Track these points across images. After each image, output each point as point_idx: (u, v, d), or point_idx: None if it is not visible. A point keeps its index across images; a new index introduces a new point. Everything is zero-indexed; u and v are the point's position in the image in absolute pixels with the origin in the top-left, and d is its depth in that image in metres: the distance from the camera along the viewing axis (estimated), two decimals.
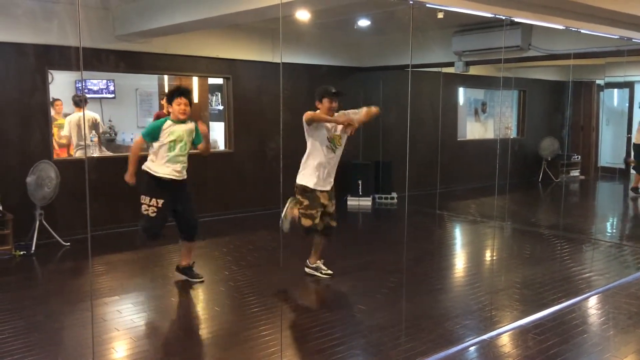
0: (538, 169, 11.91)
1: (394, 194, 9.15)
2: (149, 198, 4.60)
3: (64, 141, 7.51)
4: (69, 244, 6.09)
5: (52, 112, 7.87)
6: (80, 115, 7.38)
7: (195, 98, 9.15)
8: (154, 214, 4.59)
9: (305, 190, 4.80)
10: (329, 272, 5.09)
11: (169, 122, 4.65)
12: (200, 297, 4.80)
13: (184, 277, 4.99)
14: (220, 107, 8.76)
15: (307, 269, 5.13)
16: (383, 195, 9.14)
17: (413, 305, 4.41)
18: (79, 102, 7.56)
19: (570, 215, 8.55)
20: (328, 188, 4.88)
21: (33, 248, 5.85)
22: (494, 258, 6.30)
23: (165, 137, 4.62)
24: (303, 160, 4.85)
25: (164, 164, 4.63)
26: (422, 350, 3.64)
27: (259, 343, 3.80)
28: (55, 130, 7.73)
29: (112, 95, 9.79)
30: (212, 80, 8.90)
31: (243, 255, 5.90)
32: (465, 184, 10.54)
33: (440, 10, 4.89)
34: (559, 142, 11.86)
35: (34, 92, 6.20)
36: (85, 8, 6.19)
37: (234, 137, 7.85)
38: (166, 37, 6.77)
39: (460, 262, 6.28)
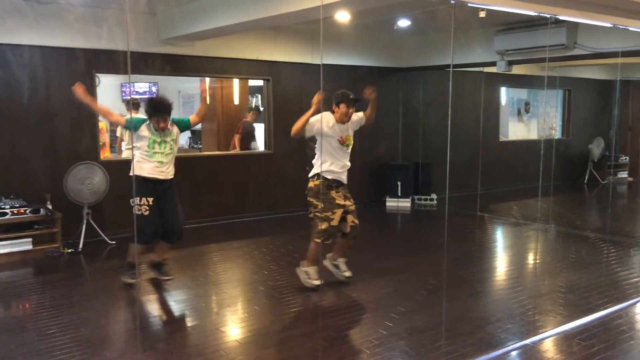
0: (584, 171, 11.60)
1: (434, 195, 9.06)
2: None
3: (100, 143, 7.71)
4: (114, 242, 6.28)
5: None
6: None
7: (236, 99, 9.30)
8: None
9: (318, 192, 4.64)
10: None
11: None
12: (239, 297, 4.87)
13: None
14: (261, 109, 8.86)
15: (325, 264, 4.94)
16: (422, 197, 9.07)
17: (453, 308, 4.36)
18: (134, 105, 7.68)
19: (618, 217, 8.29)
20: (342, 178, 4.74)
21: (80, 246, 6.04)
22: (537, 261, 6.16)
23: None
24: (315, 159, 4.77)
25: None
26: (463, 354, 3.60)
27: (297, 343, 3.83)
28: None
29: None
30: (252, 82, 9.01)
31: (282, 255, 5.95)
32: (507, 185, 10.35)
33: (482, 9, 4.80)
34: (604, 142, 11.52)
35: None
36: (132, 13, 6.37)
37: (274, 138, 7.92)
38: (208, 40, 6.90)
39: (501, 265, 6.17)
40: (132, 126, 4.79)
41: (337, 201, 4.67)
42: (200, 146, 9.76)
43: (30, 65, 6.06)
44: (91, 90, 6.46)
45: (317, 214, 4.66)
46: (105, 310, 4.48)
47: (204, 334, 3.96)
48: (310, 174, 4.76)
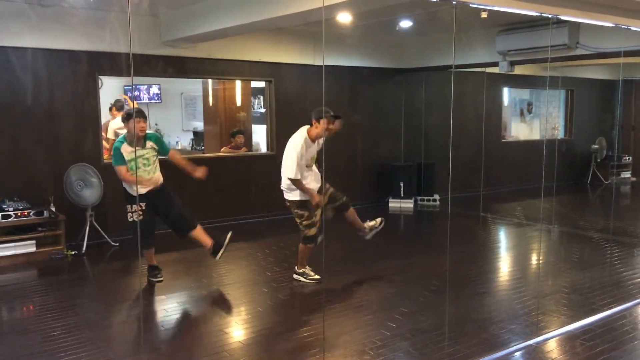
0: (587, 171, 11.57)
1: (436, 196, 9.06)
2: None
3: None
4: (117, 244, 6.29)
5: (110, 118, 7.97)
6: (117, 121, 7.14)
7: (238, 101, 9.31)
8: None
9: (301, 204, 4.89)
10: (316, 277, 5.06)
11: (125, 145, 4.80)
12: (243, 298, 4.87)
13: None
14: (263, 110, 8.86)
15: (295, 275, 5.14)
16: (425, 197, 9.06)
17: (456, 309, 4.36)
18: (121, 107, 7.59)
19: (621, 218, 8.27)
20: (316, 187, 4.97)
21: (84, 248, 6.05)
22: (541, 262, 6.15)
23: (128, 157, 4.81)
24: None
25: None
26: (466, 354, 3.60)
27: (301, 344, 3.83)
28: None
29: (159, 100, 10.06)
30: (254, 84, 9.02)
31: (286, 257, 5.95)
32: (510, 185, 10.33)
33: (484, 10, 4.80)
34: (605, 141, 11.50)
35: (86, 98, 6.43)
36: (134, 15, 6.38)
37: (276, 139, 7.92)
38: (210, 42, 6.91)
39: (505, 265, 6.16)
40: (118, 154, 4.83)
41: (313, 204, 4.91)
42: (202, 148, 9.77)
43: (34, 67, 6.07)
44: (94, 92, 6.50)
45: (304, 222, 4.90)
46: (109, 312, 4.49)
47: (207, 335, 3.97)
48: (291, 198, 4.95)
